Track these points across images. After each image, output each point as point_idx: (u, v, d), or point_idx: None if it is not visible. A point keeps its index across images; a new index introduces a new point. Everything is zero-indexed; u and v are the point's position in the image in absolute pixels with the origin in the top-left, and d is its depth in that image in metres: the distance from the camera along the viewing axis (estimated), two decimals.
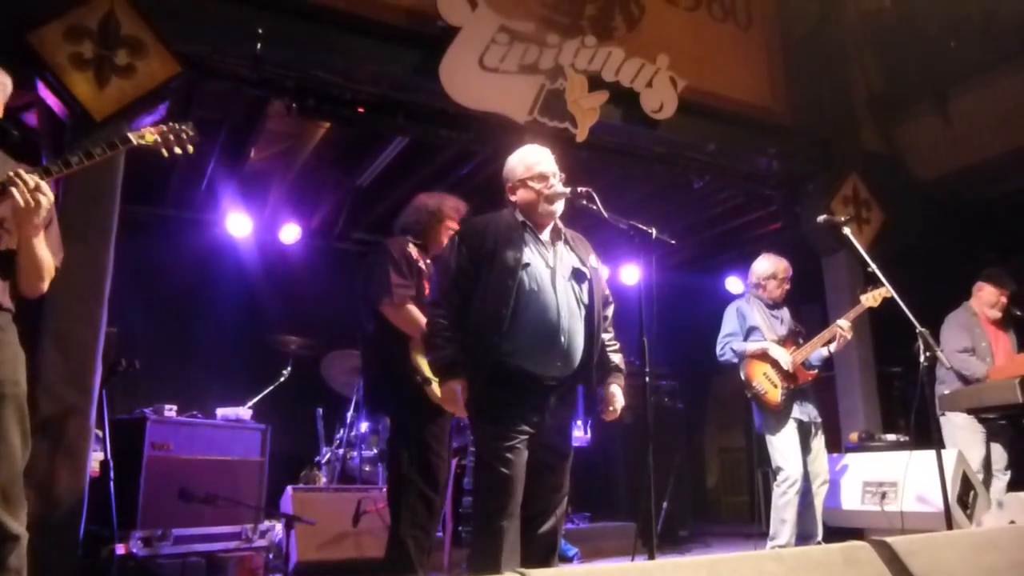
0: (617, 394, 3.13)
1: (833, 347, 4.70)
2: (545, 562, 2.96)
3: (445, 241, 3.65)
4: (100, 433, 4.02)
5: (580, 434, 7.31)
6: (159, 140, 2.52)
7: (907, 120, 7.09)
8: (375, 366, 3.68)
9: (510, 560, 2.79)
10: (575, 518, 6.21)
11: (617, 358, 3.20)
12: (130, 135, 2.44)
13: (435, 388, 3.28)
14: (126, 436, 4.29)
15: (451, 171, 6.46)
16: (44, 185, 2.27)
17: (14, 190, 2.22)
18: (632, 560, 4.88)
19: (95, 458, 4.00)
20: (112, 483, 3.85)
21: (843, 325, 4.61)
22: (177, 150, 2.57)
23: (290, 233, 7.29)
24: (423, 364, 3.34)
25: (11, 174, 2.24)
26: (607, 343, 3.19)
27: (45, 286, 2.48)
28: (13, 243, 2.37)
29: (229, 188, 6.84)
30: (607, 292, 3.26)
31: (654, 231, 3.08)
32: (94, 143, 2.39)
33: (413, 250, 3.65)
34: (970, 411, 4.83)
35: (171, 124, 2.57)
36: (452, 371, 2.92)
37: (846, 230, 4.08)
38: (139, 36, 4.08)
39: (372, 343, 3.65)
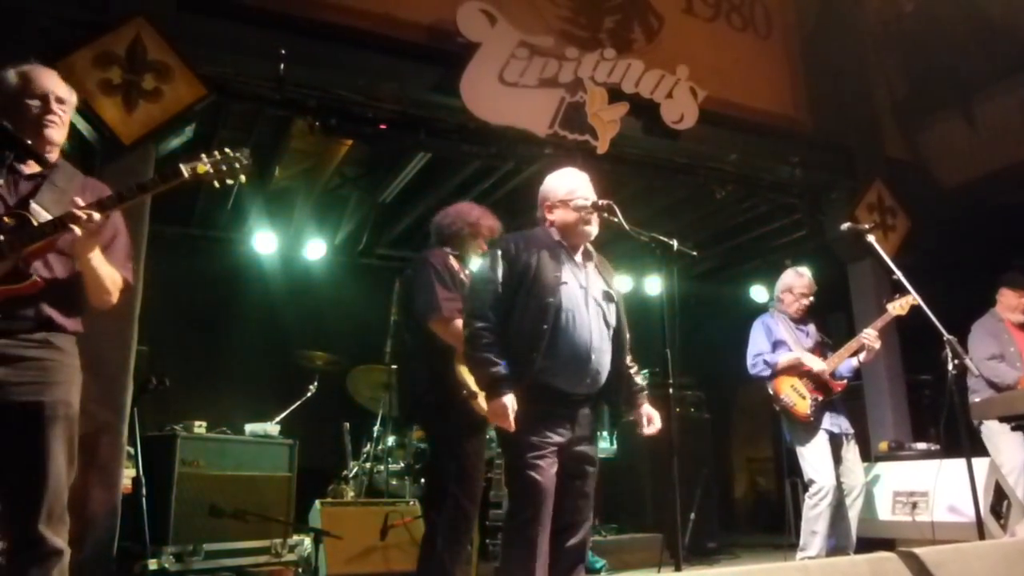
0: (653, 412, 3.23)
1: (862, 357, 4.65)
2: (572, 574, 2.97)
3: (473, 257, 3.68)
4: (132, 450, 4.08)
5: (606, 446, 7.29)
6: (211, 172, 2.47)
7: (931, 126, 7.03)
8: (421, 380, 3.65)
9: (541, 571, 2.80)
10: (602, 530, 6.19)
11: (640, 379, 3.28)
12: (182, 167, 2.42)
13: (481, 401, 3.29)
14: (157, 453, 4.34)
15: (473, 186, 6.50)
16: (96, 216, 2.31)
17: (74, 226, 2.28)
18: (659, 572, 4.86)
19: (127, 475, 4.07)
20: (144, 499, 3.91)
21: (870, 334, 4.56)
22: (229, 180, 2.52)
23: (315, 250, 7.36)
24: (468, 377, 3.33)
25: (71, 211, 2.29)
26: (628, 365, 3.23)
27: (114, 299, 2.53)
28: (76, 266, 2.43)
29: (254, 206, 6.93)
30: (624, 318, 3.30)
31: (675, 242, 3.08)
32: (147, 176, 2.42)
33: (454, 262, 3.65)
34: (1002, 419, 4.75)
35: (226, 152, 2.50)
36: (502, 386, 2.91)
37: (870, 237, 4.03)
38: (165, 61, 4.16)
39: (416, 357, 3.65)
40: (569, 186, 3.21)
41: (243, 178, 2.55)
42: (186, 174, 2.43)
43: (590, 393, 3.04)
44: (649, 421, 3.20)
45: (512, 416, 2.89)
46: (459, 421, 3.40)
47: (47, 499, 2.29)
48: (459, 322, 3.36)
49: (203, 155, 2.49)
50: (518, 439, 2.91)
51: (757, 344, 4.78)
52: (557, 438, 2.92)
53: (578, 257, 3.15)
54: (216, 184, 2.52)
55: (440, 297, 3.45)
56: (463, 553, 3.42)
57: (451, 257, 3.67)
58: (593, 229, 3.15)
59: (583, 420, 3.03)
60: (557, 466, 2.91)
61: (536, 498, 2.83)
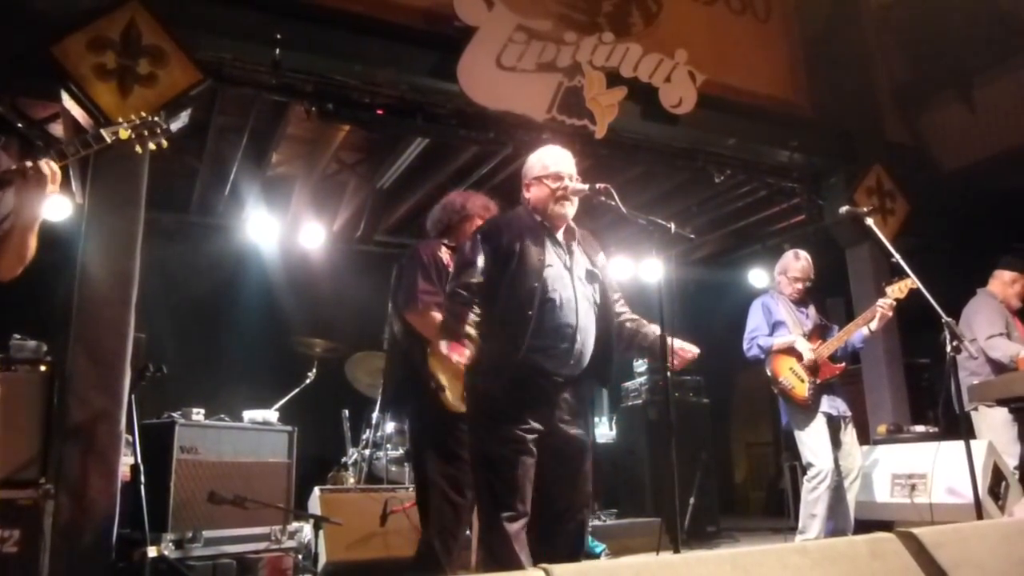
0: (685, 345, 3.12)
1: (873, 326, 4.59)
2: (571, 559, 2.96)
3: None
4: (130, 437, 4.07)
5: (606, 431, 7.30)
6: (132, 136, 2.50)
7: (932, 110, 7.01)
8: (400, 371, 3.69)
9: (526, 559, 2.79)
10: (602, 514, 6.20)
11: (651, 329, 3.21)
12: (103, 132, 2.43)
13: (448, 396, 3.29)
14: (155, 440, 4.33)
15: (471, 171, 6.48)
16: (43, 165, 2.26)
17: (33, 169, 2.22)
18: (658, 556, 4.86)
19: (125, 462, 4.06)
20: (143, 487, 3.90)
21: (885, 303, 4.47)
22: (152, 145, 2.55)
23: (312, 236, 7.33)
24: (439, 371, 3.35)
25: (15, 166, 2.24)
26: (635, 319, 3.24)
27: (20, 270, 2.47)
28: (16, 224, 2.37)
29: (252, 193, 6.91)
30: (614, 282, 3.28)
31: (672, 226, 3.06)
32: (68, 143, 2.39)
33: (445, 254, 3.62)
34: (1000, 402, 4.75)
35: (144, 117, 2.54)
36: (458, 329, 2.92)
37: (869, 221, 4.03)
38: (160, 45, 4.13)
39: (398, 348, 3.66)
40: (544, 162, 3.19)
41: (164, 143, 2.60)
42: (108, 139, 2.43)
43: (572, 375, 3.00)
44: (682, 353, 3.09)
45: (459, 353, 2.86)
46: (435, 414, 3.40)
47: None
48: (435, 314, 3.36)
49: (122, 120, 2.52)
50: (496, 428, 2.89)
51: (753, 324, 4.79)
52: (537, 425, 2.89)
53: (560, 236, 3.13)
54: (139, 149, 2.54)
55: (419, 289, 3.45)
56: (454, 542, 3.42)
57: (444, 249, 3.65)
58: (570, 209, 3.12)
59: (564, 404, 2.98)
60: (536, 454, 2.89)
61: (512, 489, 2.81)
